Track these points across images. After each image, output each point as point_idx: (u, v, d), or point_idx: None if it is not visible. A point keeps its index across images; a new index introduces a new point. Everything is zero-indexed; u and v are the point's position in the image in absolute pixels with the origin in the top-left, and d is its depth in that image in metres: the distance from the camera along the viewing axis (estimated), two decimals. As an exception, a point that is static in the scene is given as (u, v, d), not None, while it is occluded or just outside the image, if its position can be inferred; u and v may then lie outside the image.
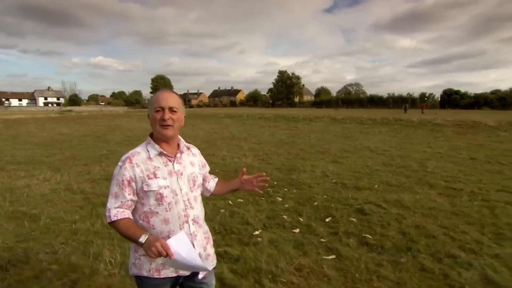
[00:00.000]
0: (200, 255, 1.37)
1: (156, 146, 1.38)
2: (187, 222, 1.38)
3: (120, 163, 1.36)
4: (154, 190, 1.32)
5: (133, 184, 1.33)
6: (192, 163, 1.49)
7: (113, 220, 1.30)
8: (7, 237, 3.28)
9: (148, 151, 1.37)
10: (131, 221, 1.32)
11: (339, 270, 2.68)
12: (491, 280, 2.57)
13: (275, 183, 5.54)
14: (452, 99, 59.00)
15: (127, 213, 1.33)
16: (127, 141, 11.63)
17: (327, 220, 3.85)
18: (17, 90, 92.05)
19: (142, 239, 1.21)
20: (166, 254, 1.16)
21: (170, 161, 1.39)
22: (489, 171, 6.86)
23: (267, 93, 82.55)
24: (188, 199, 1.40)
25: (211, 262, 1.51)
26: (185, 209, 1.38)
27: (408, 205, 4.41)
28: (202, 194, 1.58)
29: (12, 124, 20.26)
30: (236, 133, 14.61)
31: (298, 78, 77.87)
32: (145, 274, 1.38)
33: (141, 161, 1.35)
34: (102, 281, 2.46)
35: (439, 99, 63.18)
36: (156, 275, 1.37)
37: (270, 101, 77.31)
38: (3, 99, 77.43)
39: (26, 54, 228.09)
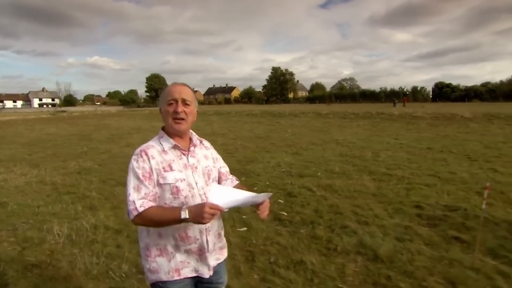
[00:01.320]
0: (212, 249, 1.42)
1: (170, 139, 1.36)
2: None
3: (135, 156, 1.31)
4: (170, 183, 1.29)
5: (153, 176, 1.29)
6: (206, 156, 1.48)
7: (140, 211, 1.22)
8: (-23, 219, 3.88)
9: (161, 145, 1.35)
10: (161, 206, 1.28)
11: (242, 238, 3.30)
12: (363, 243, 3.17)
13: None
14: (443, 92, 59.67)
15: (153, 204, 1.27)
16: (110, 139, 12.22)
17: (258, 201, 4.46)
18: (13, 92, 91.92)
19: (185, 214, 1.18)
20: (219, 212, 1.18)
21: (184, 154, 1.37)
22: (435, 158, 7.49)
23: (262, 89, 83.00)
24: (205, 193, 1.37)
25: (224, 254, 1.54)
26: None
27: (337, 189, 5.02)
28: None
29: (1, 125, 20.83)
30: (218, 130, 15.21)
31: (291, 74, 78.43)
32: (164, 278, 1.34)
33: (156, 153, 1.32)
34: (47, 247, 3.08)
35: (432, 93, 63.86)
36: (176, 276, 1.35)
37: (265, 98, 77.78)
38: (-2, 101, 77.62)
39: (21, 55, 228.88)
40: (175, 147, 1.36)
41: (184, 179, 1.32)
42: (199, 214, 1.15)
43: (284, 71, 78.09)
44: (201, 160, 1.43)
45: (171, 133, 1.37)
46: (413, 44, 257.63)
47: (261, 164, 6.87)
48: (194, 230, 1.35)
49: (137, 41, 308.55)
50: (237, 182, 1.59)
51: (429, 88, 65.56)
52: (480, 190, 4.91)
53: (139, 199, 1.24)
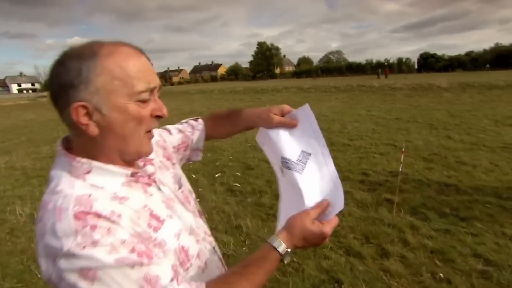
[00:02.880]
0: None
1: (114, 167, 0.64)
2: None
3: (78, 239, 0.51)
4: (174, 248, 0.67)
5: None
6: (162, 166, 0.82)
7: None
8: None
9: (99, 187, 0.61)
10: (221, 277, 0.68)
11: (193, 208, 3.59)
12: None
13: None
14: (428, 63, 60.07)
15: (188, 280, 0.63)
16: (87, 122, 12.19)
17: (217, 175, 4.75)
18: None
19: (282, 248, 0.68)
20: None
21: (149, 184, 0.70)
22: (399, 128, 7.84)
23: (249, 66, 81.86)
24: (205, 232, 0.83)
25: None
26: (214, 250, 0.83)
27: (294, 161, 5.33)
28: (194, 159, 1.01)
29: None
30: (197, 108, 15.26)
31: (277, 49, 77.30)
32: None
33: (115, 206, 0.59)
34: (8, 225, 3.33)
35: (417, 63, 64.20)
36: None
37: (251, 74, 76.89)
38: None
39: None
40: (132, 177, 0.67)
41: (181, 228, 0.72)
42: (317, 242, 0.73)
43: (269, 46, 76.82)
44: (169, 181, 0.80)
45: (110, 157, 0.64)
46: (401, 14, 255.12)
47: (230, 140, 7.09)
48: None
49: (118, 19, 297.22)
50: (201, 121, 1.01)
51: (415, 59, 65.90)
52: (428, 156, 5.30)
53: (171, 279, 0.58)
